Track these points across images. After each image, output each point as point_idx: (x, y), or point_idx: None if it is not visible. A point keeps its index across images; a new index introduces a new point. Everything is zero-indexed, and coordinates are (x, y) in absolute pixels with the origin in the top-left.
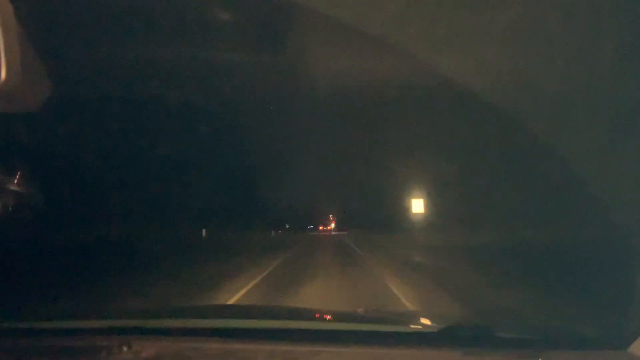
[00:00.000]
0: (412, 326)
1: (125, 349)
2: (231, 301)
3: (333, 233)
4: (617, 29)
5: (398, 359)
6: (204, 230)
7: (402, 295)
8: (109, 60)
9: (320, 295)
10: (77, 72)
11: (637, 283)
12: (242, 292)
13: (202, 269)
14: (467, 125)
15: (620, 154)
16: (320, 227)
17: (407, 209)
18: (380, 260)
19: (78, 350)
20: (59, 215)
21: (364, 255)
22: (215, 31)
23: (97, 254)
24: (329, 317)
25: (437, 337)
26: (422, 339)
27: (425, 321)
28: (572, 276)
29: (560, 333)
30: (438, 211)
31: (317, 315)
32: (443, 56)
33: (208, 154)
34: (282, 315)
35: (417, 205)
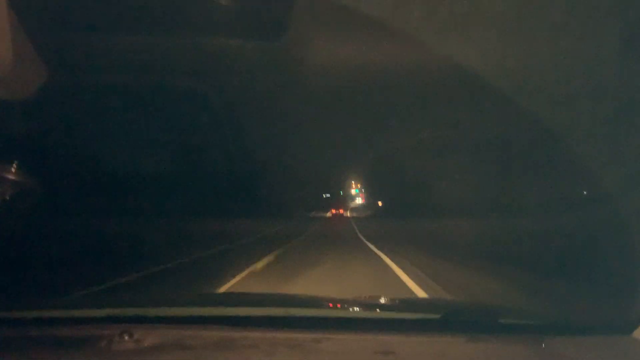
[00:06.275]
0: (415, 312)
1: (126, 337)
2: None
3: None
4: (623, 15)
5: (401, 345)
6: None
7: None
8: (107, 49)
9: None
10: (75, 61)
11: None
12: None
13: None
14: (472, 112)
15: (624, 142)
16: (333, 210)
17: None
18: None
19: (78, 340)
20: (58, 204)
21: None
22: (215, 16)
23: (98, 245)
24: (331, 304)
25: (440, 324)
26: (425, 325)
27: (428, 307)
28: (575, 263)
29: (564, 318)
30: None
31: (320, 303)
32: (446, 41)
33: (210, 141)
34: (284, 303)
35: None
